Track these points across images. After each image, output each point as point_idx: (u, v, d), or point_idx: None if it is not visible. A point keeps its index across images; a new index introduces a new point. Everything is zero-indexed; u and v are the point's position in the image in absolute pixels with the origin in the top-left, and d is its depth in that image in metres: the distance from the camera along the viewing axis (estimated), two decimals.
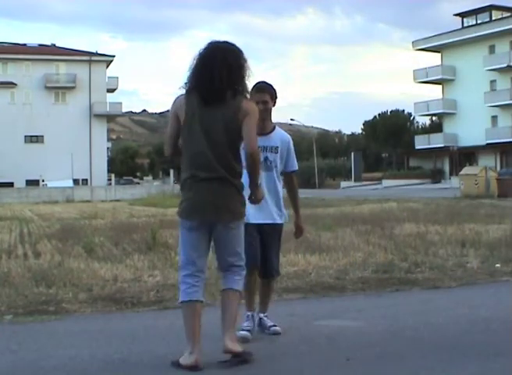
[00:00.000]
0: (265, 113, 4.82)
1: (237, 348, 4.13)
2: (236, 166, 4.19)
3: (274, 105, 4.90)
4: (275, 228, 4.97)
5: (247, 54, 4.22)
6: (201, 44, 4.22)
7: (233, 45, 4.24)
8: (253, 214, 4.83)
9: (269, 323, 4.97)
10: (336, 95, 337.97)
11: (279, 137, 4.96)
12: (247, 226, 4.72)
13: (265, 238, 4.92)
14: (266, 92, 4.83)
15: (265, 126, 4.89)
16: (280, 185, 5.00)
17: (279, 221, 4.97)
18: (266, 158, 4.88)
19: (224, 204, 4.14)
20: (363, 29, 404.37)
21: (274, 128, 4.97)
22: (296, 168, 5.08)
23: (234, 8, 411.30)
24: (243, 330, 4.76)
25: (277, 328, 4.92)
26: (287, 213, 5.08)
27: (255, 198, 4.34)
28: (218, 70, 4.09)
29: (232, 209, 4.17)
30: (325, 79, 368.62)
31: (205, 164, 4.13)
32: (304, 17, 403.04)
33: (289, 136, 5.08)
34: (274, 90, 4.89)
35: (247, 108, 4.14)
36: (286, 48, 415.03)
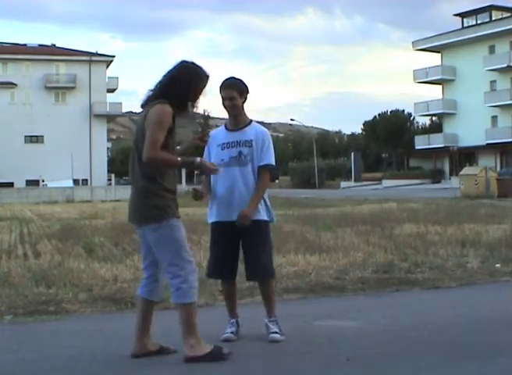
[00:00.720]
0: (234, 109, 4.77)
1: (193, 353, 4.19)
2: (139, 170, 4.28)
3: (245, 101, 4.82)
4: (257, 225, 4.75)
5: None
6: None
7: (200, 68, 4.41)
8: (220, 211, 4.78)
9: (272, 329, 4.80)
10: (335, 95, 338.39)
11: (254, 130, 4.85)
12: (214, 225, 4.76)
13: (244, 236, 4.78)
14: (233, 88, 4.75)
15: (237, 121, 4.85)
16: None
17: (259, 217, 4.77)
18: (240, 153, 4.78)
19: (131, 207, 4.37)
20: (362, 29, 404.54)
21: (250, 123, 4.88)
22: (269, 162, 4.80)
23: (234, 8, 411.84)
24: (225, 333, 4.78)
25: (276, 336, 4.74)
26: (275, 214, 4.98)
27: (204, 171, 4.45)
28: (175, 87, 4.29)
29: (139, 212, 4.30)
30: (324, 79, 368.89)
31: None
32: (303, 17, 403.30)
33: (266, 130, 4.96)
34: (244, 85, 4.82)
35: (148, 114, 4.23)
36: (286, 48, 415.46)
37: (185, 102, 4.34)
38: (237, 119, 4.86)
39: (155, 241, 4.27)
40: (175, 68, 4.38)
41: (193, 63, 4.42)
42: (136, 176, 4.33)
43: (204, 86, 4.41)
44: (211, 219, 4.89)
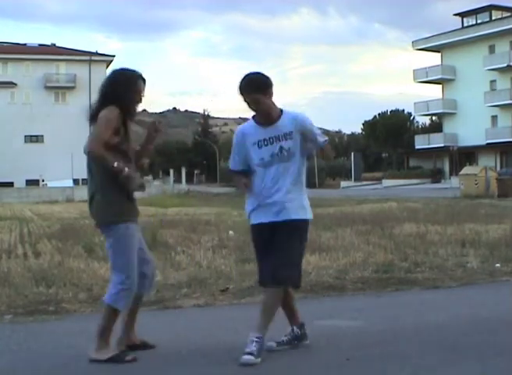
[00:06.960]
0: (264, 109, 4.33)
1: (97, 356, 4.25)
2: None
3: (272, 95, 4.34)
4: (292, 225, 4.39)
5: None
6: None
7: (129, 70, 4.49)
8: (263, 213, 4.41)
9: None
10: (333, 95, 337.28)
11: (290, 118, 4.35)
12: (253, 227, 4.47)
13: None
14: (255, 91, 4.28)
15: (270, 116, 4.36)
16: (304, 175, 4.49)
17: (297, 216, 4.42)
18: (281, 148, 4.31)
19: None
20: (358, 29, 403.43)
21: (281, 112, 4.38)
22: (323, 140, 4.38)
23: (229, 8, 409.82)
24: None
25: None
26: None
27: (128, 185, 4.34)
28: (113, 93, 4.40)
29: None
30: (322, 79, 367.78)
31: None
32: (298, 17, 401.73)
33: (300, 113, 4.46)
34: (264, 81, 4.34)
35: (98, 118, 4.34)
36: (282, 48, 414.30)
37: (127, 105, 4.38)
38: (270, 114, 4.36)
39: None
40: (107, 78, 4.50)
41: (121, 69, 4.53)
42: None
43: (140, 85, 4.44)
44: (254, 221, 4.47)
